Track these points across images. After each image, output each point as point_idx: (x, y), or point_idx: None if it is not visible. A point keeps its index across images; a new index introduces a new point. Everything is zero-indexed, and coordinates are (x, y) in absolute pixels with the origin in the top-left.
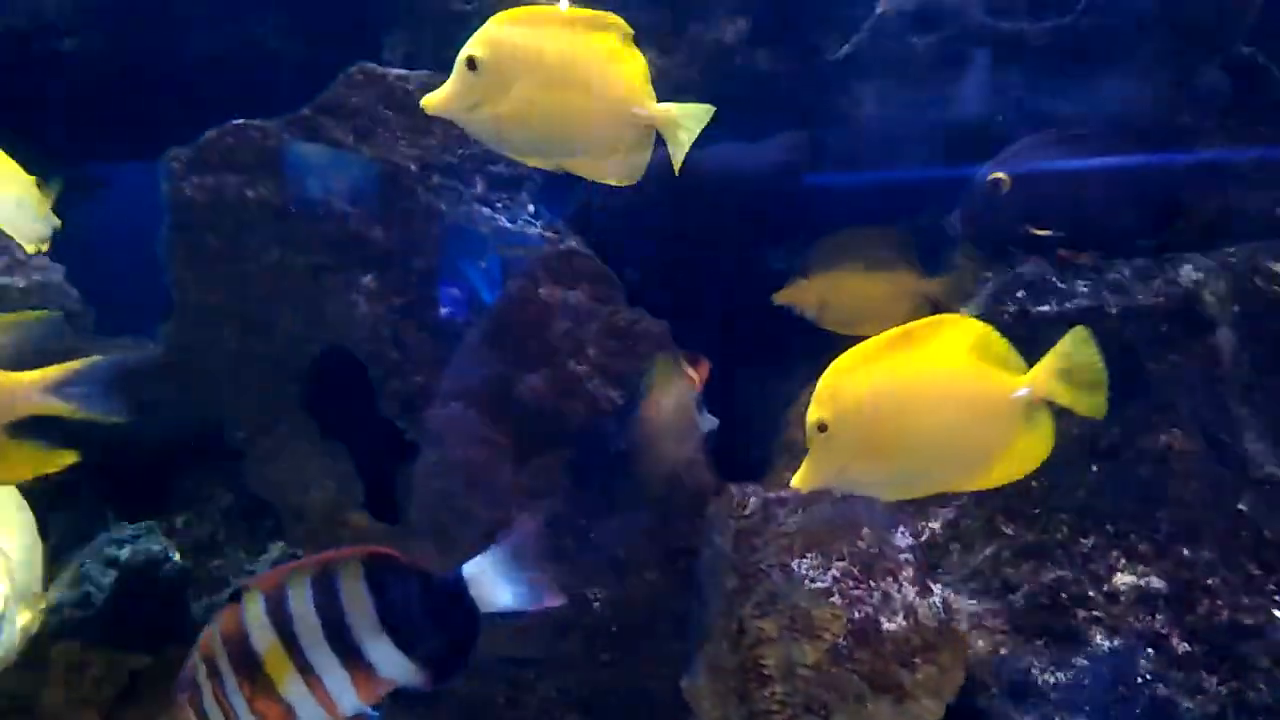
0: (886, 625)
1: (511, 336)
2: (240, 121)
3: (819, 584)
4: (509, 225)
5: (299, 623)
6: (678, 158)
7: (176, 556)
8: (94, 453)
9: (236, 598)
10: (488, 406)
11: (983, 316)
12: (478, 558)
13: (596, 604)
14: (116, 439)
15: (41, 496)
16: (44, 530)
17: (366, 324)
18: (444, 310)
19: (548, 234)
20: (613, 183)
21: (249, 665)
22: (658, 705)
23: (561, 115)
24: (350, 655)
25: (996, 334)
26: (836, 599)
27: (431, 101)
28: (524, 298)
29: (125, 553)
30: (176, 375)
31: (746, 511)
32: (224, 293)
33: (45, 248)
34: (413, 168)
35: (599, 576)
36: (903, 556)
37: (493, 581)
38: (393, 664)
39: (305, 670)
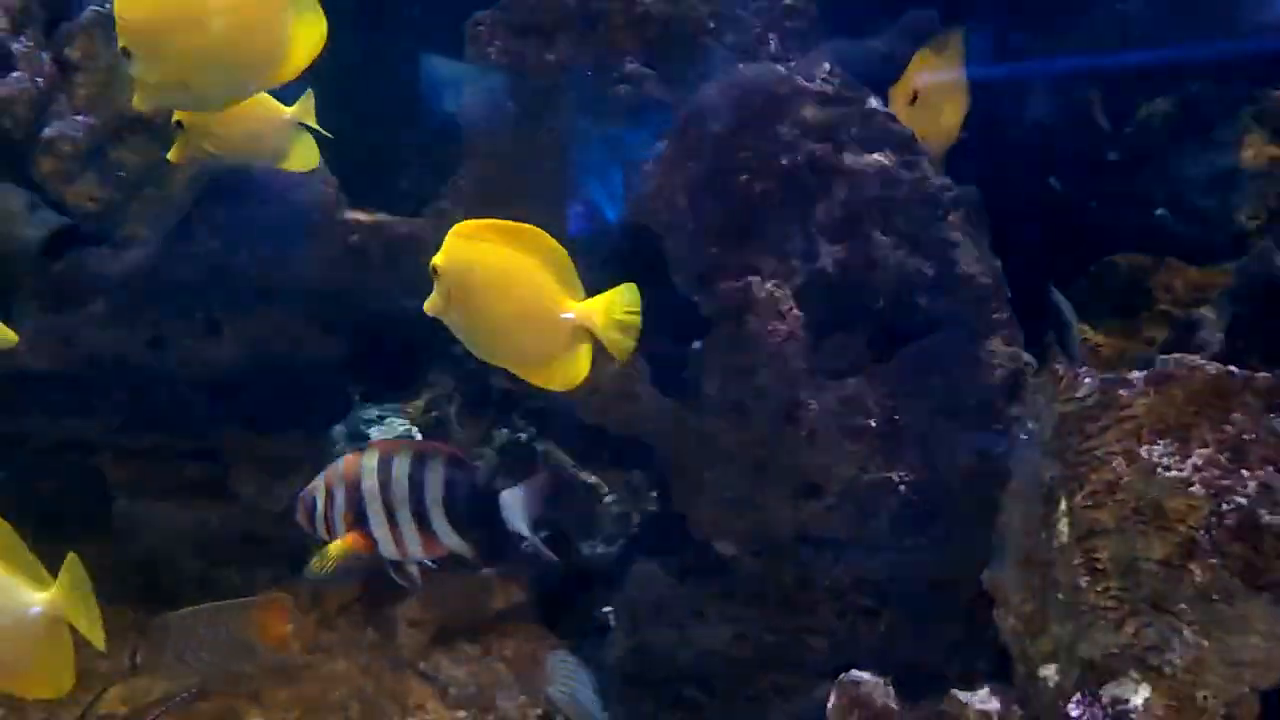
0: (1268, 518)
1: (812, 204)
2: None
3: (1174, 472)
4: (806, 84)
5: (395, 484)
6: None
7: (418, 436)
8: (346, 337)
9: (361, 449)
10: (786, 279)
11: None
12: (514, 488)
13: (902, 487)
14: (371, 320)
15: (290, 375)
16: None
17: (662, 193)
18: (741, 176)
19: (847, 94)
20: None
21: (355, 501)
22: (958, 597)
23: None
24: (422, 520)
25: (570, 262)
26: (1197, 489)
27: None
28: (824, 163)
29: (374, 432)
30: None
31: (1079, 394)
32: (516, 163)
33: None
34: (710, 24)
35: (905, 458)
36: None
37: (516, 510)
38: (447, 536)
39: (390, 519)
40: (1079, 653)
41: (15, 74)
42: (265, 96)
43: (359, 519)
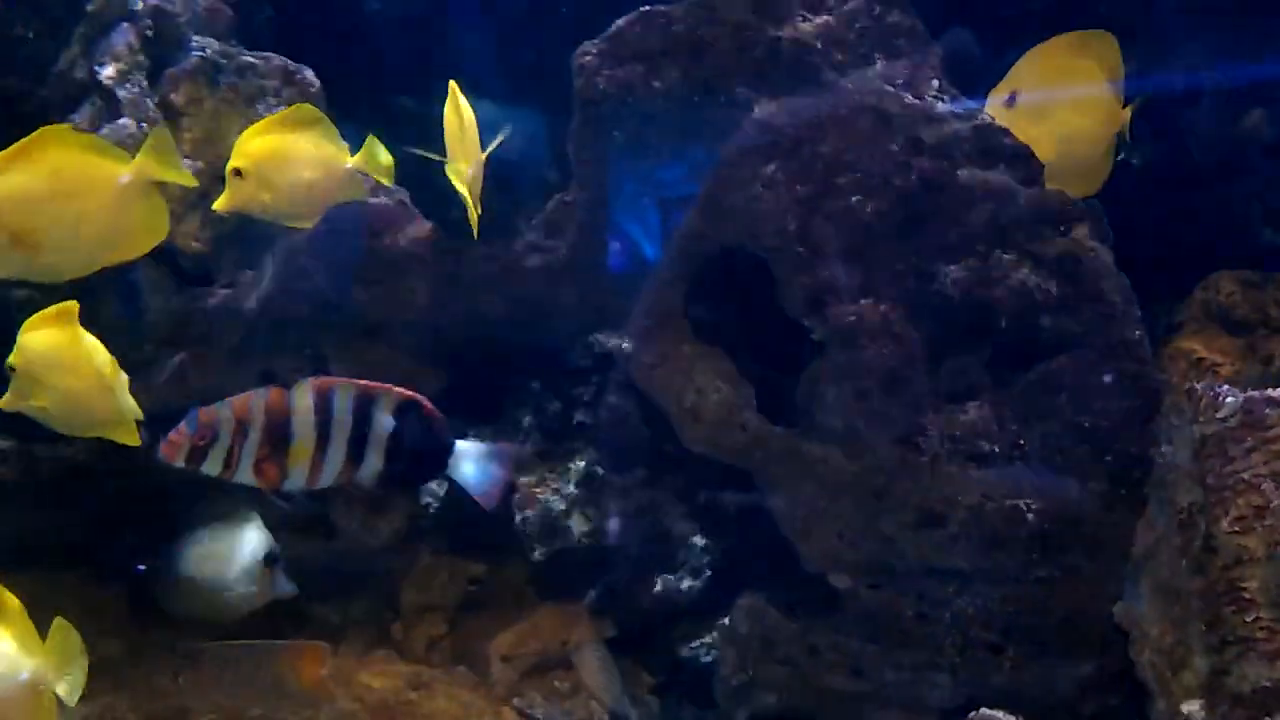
0: None
1: (927, 223)
2: (646, 9)
3: None
4: (916, 102)
5: (335, 424)
6: None
7: None
8: (442, 369)
9: (283, 387)
10: (901, 301)
11: None
12: (472, 443)
13: (1030, 516)
14: (464, 352)
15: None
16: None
17: (771, 217)
18: (852, 197)
19: (959, 109)
20: None
21: (279, 438)
22: (1088, 631)
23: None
24: (351, 459)
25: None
26: None
27: None
28: (938, 181)
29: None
30: (571, 279)
31: (1221, 414)
32: (626, 190)
33: None
34: (818, 44)
35: (1032, 486)
36: None
37: (468, 464)
38: (371, 475)
39: (318, 457)
40: (1227, 687)
41: (122, 120)
42: (327, 141)
43: (276, 455)
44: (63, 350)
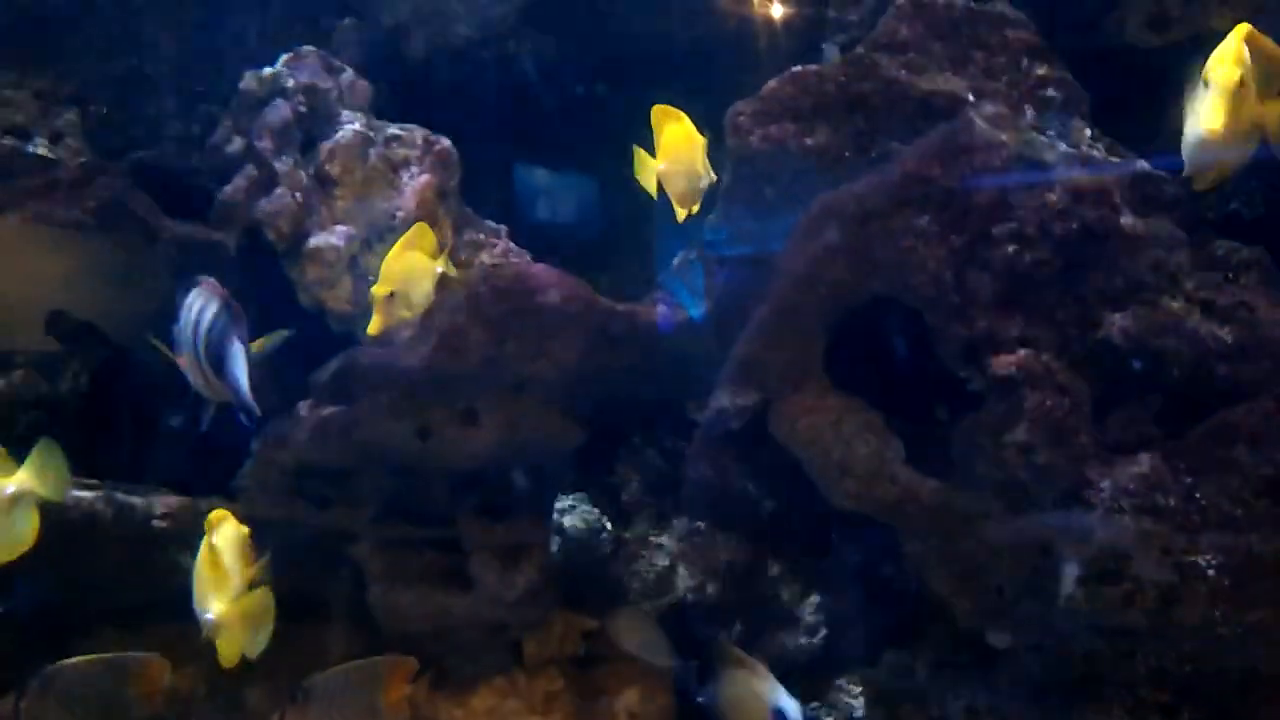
0: None
1: (1090, 271)
2: (798, 68)
3: None
4: (1071, 151)
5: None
6: None
7: (608, 525)
8: (584, 424)
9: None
10: (1065, 350)
11: None
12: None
13: (1212, 571)
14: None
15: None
16: (531, 496)
17: (925, 267)
18: (1009, 247)
19: (1115, 158)
20: None
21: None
22: (1269, 690)
23: None
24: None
25: None
26: None
27: None
28: (1103, 228)
29: (568, 521)
30: (711, 333)
31: None
32: (776, 243)
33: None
34: (969, 98)
35: (1212, 540)
36: None
37: (238, 364)
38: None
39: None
40: None
41: (279, 190)
42: (430, 250)
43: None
44: None
